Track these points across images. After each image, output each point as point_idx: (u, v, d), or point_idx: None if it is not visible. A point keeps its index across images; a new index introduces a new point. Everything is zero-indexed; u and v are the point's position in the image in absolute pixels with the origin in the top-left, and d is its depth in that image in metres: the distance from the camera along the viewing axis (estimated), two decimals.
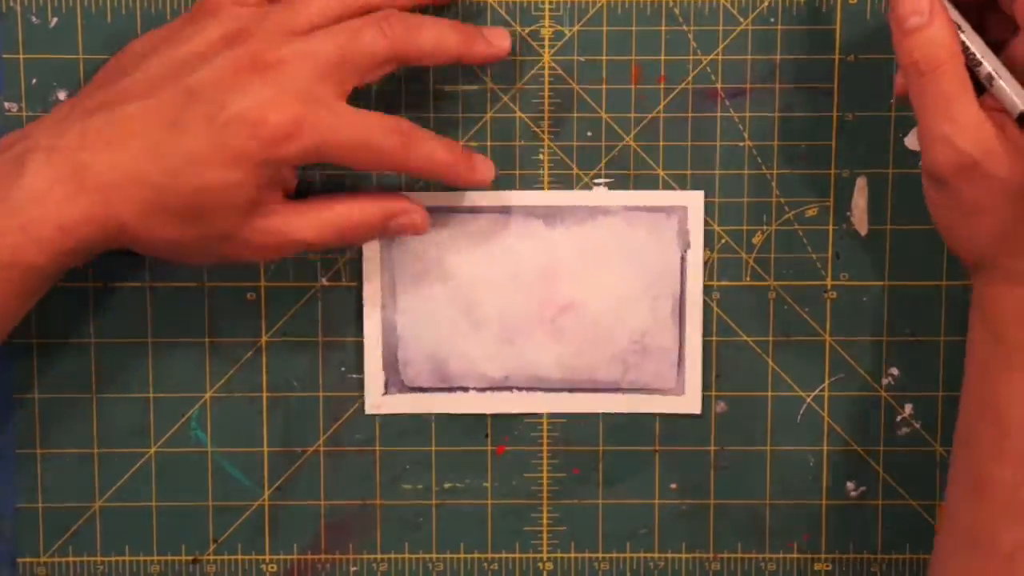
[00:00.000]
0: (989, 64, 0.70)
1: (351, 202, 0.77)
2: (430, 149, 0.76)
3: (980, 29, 0.72)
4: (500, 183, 0.81)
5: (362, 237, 0.79)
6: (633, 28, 0.81)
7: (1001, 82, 0.70)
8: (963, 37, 0.70)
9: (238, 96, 0.72)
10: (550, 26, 0.81)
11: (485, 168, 0.79)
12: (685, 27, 0.80)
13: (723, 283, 0.82)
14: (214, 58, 0.74)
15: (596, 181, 0.81)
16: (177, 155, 0.73)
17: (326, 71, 0.74)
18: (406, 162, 0.76)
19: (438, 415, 0.83)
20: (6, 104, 0.81)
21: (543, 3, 0.80)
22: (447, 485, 0.84)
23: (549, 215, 0.81)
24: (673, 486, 0.84)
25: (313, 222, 0.76)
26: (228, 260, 0.77)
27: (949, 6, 0.70)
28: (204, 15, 0.76)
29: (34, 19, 0.80)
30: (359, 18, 0.75)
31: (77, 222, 0.73)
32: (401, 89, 0.80)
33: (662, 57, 0.81)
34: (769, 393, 0.83)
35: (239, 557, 0.84)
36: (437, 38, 0.76)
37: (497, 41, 0.78)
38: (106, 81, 0.76)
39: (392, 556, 0.84)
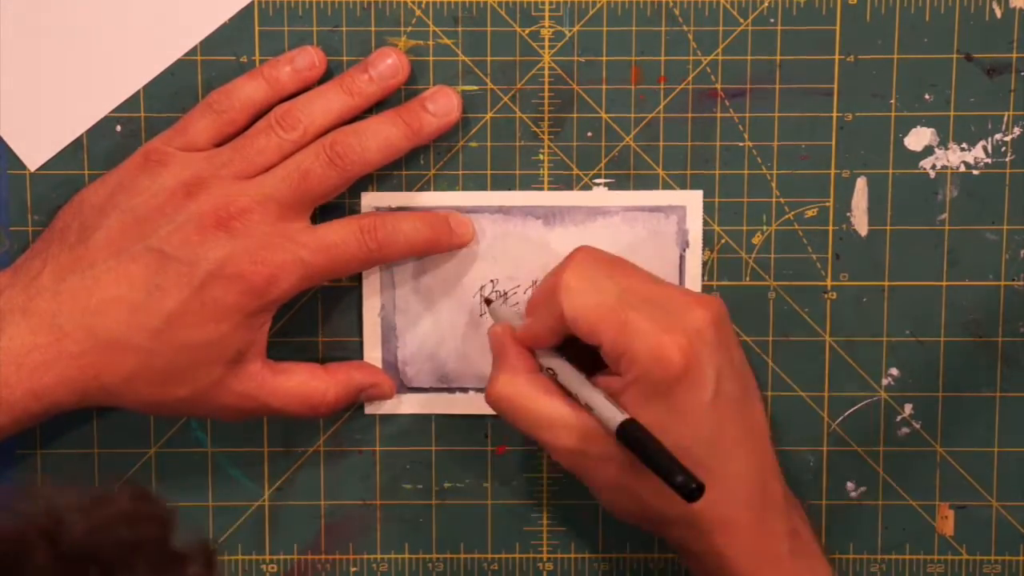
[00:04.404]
0: (584, 395, 0.74)
1: (327, 378, 0.79)
2: (406, 236, 0.78)
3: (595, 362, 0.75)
4: (500, 183, 0.81)
5: (331, 412, 0.80)
6: (633, 28, 0.81)
7: (595, 409, 0.73)
8: (559, 378, 0.76)
9: (209, 253, 0.74)
10: (550, 26, 0.81)
11: (463, 227, 0.80)
12: (685, 27, 0.80)
13: (723, 283, 0.82)
14: (176, 215, 0.75)
15: (596, 181, 0.81)
16: (158, 317, 0.74)
17: (286, 211, 0.75)
18: (387, 257, 0.78)
19: (438, 415, 0.83)
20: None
21: (543, 3, 0.80)
22: (447, 485, 0.84)
23: (549, 215, 0.81)
24: None
25: (287, 393, 0.78)
26: (203, 416, 0.81)
27: (547, 354, 0.76)
28: (154, 164, 0.77)
29: None
30: (306, 149, 0.77)
31: (51, 387, 0.74)
32: (401, 93, 0.80)
33: (662, 57, 0.81)
34: (769, 393, 0.83)
35: (239, 557, 0.84)
36: (384, 147, 0.77)
37: (443, 111, 0.79)
38: (69, 235, 0.76)
39: (392, 556, 0.84)
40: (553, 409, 0.75)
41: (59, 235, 0.77)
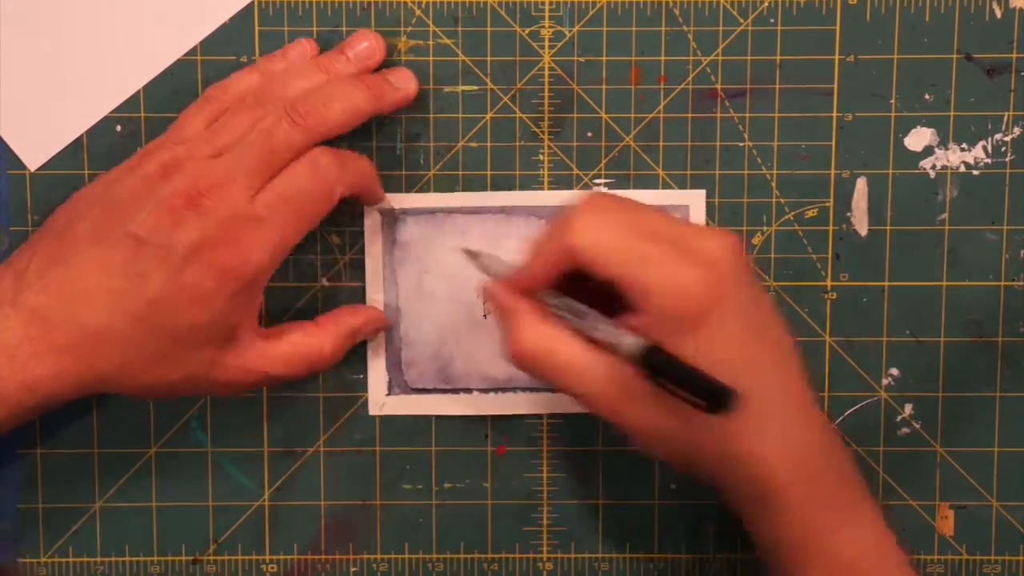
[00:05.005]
0: (602, 330, 0.71)
1: (320, 333, 0.79)
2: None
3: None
4: (500, 183, 0.81)
5: (332, 364, 0.80)
6: (633, 28, 0.81)
7: (615, 343, 0.71)
8: (562, 313, 0.73)
9: (183, 237, 0.73)
10: (550, 26, 0.81)
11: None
12: (685, 27, 0.80)
13: None
14: (150, 198, 0.74)
15: (596, 181, 0.81)
16: (140, 304, 0.73)
17: (254, 180, 0.74)
18: (348, 186, 0.77)
19: (438, 415, 0.83)
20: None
21: (543, 3, 0.80)
22: (447, 485, 0.84)
23: (551, 215, 0.81)
24: (673, 486, 0.84)
25: (284, 358, 0.78)
26: (202, 394, 0.80)
27: (551, 295, 0.73)
28: (143, 156, 0.77)
29: None
30: (268, 114, 0.76)
31: (44, 380, 0.73)
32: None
33: (662, 57, 0.81)
34: None
35: (239, 557, 0.84)
36: (347, 108, 0.77)
37: (403, 84, 0.79)
38: (56, 227, 0.76)
39: (392, 556, 0.84)
40: (582, 357, 0.72)
41: (48, 228, 0.77)
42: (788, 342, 0.74)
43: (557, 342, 0.72)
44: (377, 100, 0.78)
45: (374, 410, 0.83)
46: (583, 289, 0.73)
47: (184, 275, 0.73)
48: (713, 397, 0.68)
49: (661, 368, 0.69)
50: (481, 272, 0.77)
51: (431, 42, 0.81)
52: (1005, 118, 0.81)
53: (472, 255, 0.78)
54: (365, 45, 0.79)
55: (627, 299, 0.71)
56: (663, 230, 0.72)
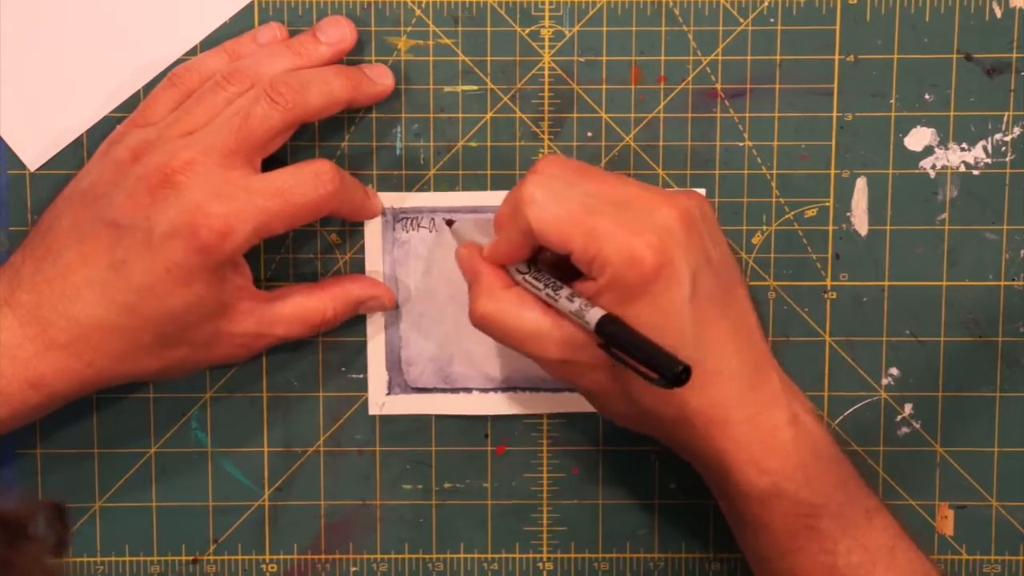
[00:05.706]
0: (561, 300, 0.73)
1: (323, 296, 0.79)
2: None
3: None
4: (501, 183, 0.81)
5: (333, 326, 0.80)
6: (633, 28, 0.81)
7: (573, 312, 0.72)
8: (528, 285, 0.74)
9: (160, 216, 0.73)
10: (550, 26, 0.81)
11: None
12: (685, 27, 0.80)
13: None
14: (125, 181, 0.74)
15: None
16: (128, 293, 0.73)
17: (230, 158, 0.74)
18: (338, 203, 0.77)
19: (438, 415, 0.83)
20: None
21: (543, 3, 0.80)
22: (447, 485, 0.84)
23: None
24: (673, 486, 0.84)
25: (286, 319, 0.78)
26: (213, 365, 0.79)
27: (519, 266, 0.75)
28: (112, 144, 0.77)
29: None
30: (248, 93, 0.76)
31: (47, 376, 0.74)
32: (401, 91, 0.80)
33: (662, 57, 0.81)
34: None
35: (239, 557, 0.84)
36: (325, 92, 0.77)
37: (381, 79, 0.79)
38: (42, 227, 0.77)
39: (392, 556, 0.84)
40: (536, 322, 0.74)
41: (35, 231, 0.77)
42: (748, 315, 0.75)
43: (515, 306, 0.74)
44: (354, 90, 0.78)
45: (374, 410, 0.83)
46: (561, 256, 0.74)
47: (165, 256, 0.73)
48: (666, 370, 0.68)
49: (615, 338, 0.70)
50: (458, 241, 0.78)
51: (431, 42, 0.81)
52: (1005, 118, 0.81)
53: (449, 223, 0.80)
54: (337, 28, 0.79)
55: (582, 269, 0.73)
56: (615, 197, 0.73)
